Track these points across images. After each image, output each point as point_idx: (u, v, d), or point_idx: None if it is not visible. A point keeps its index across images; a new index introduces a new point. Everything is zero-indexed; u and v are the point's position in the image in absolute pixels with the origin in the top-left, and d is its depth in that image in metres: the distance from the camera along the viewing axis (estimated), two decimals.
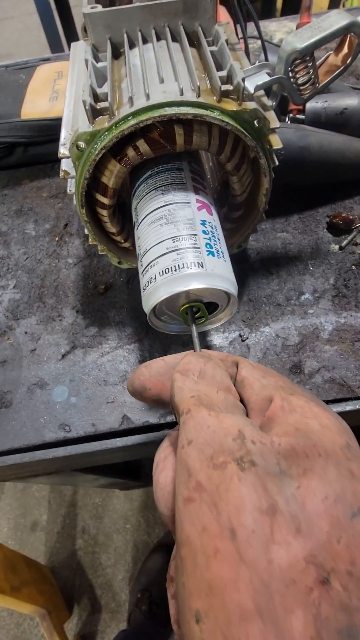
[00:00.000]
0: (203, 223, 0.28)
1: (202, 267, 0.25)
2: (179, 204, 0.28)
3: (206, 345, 0.37)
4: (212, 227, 0.28)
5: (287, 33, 0.67)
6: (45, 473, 0.44)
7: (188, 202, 0.28)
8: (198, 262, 0.26)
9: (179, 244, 0.26)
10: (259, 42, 0.37)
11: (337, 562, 0.14)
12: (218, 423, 0.17)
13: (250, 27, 0.51)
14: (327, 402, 0.33)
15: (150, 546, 1.05)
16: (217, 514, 0.15)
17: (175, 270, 0.25)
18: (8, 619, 1.02)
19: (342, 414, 0.33)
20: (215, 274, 0.26)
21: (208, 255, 0.26)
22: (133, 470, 0.86)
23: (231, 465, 0.16)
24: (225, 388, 0.20)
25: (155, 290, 0.26)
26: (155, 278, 0.26)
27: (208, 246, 0.27)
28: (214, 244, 0.27)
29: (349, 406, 0.33)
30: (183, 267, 0.25)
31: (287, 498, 0.15)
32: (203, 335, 0.37)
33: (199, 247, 0.26)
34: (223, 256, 0.27)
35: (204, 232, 0.27)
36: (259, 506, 0.15)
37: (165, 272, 0.26)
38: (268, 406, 0.18)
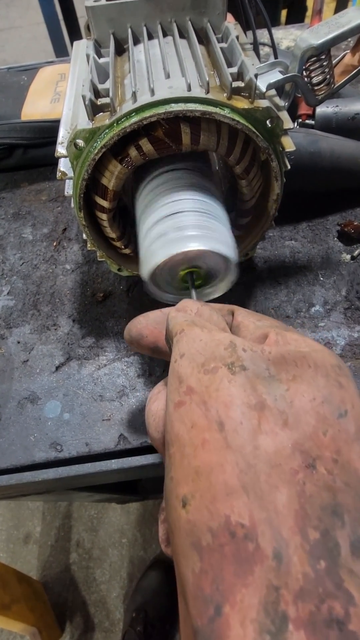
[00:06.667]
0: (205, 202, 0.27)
1: (202, 230, 0.24)
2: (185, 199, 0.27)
3: None
4: (215, 204, 0.27)
5: (293, 40, 0.66)
6: (36, 493, 0.41)
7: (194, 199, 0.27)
8: (198, 225, 0.25)
9: (180, 207, 0.26)
10: (266, 49, 0.36)
11: (323, 451, 0.14)
12: (210, 337, 0.17)
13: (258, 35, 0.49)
14: None
15: (147, 563, 1.01)
16: (206, 410, 0.15)
17: (174, 232, 0.24)
18: None
19: None
20: (215, 237, 0.25)
21: (208, 220, 0.25)
22: (130, 485, 0.83)
23: (222, 369, 0.16)
24: (221, 330, 0.20)
25: (154, 254, 0.25)
26: (153, 242, 0.25)
27: (209, 214, 0.26)
28: (216, 214, 0.27)
29: None
30: (182, 229, 0.24)
31: (275, 397, 0.15)
32: None
33: (199, 213, 0.26)
34: (224, 225, 0.27)
35: (206, 206, 0.27)
36: (247, 402, 0.15)
37: (164, 235, 0.25)
38: (263, 342, 0.18)
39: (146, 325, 0.22)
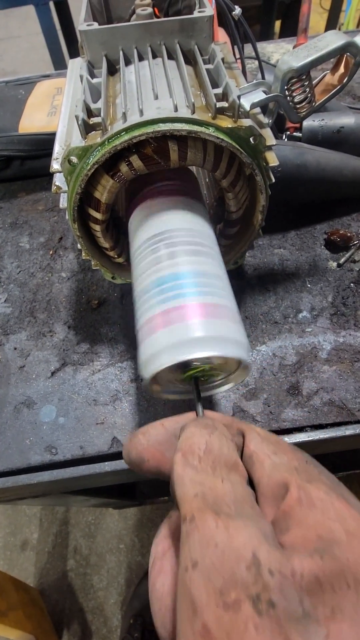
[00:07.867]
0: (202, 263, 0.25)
1: (211, 331, 0.22)
2: (177, 231, 0.26)
3: None
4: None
5: (284, 54, 0.68)
6: (32, 496, 0.42)
7: (185, 227, 0.27)
8: (205, 324, 0.22)
9: (182, 291, 0.23)
10: (257, 62, 0.37)
11: None
12: (227, 539, 0.15)
13: (249, 48, 0.51)
14: (326, 425, 0.32)
15: (145, 568, 1.01)
16: None
17: (180, 331, 0.22)
18: None
19: (341, 439, 0.32)
20: (226, 337, 0.22)
21: (215, 313, 0.23)
22: (127, 489, 0.84)
23: (245, 606, 0.13)
24: (232, 465, 0.18)
25: (157, 356, 0.21)
26: (157, 339, 0.22)
27: (213, 297, 0.23)
28: (221, 292, 0.24)
29: (348, 430, 0.31)
30: (188, 328, 0.22)
31: None
32: None
33: (204, 297, 0.23)
34: (232, 310, 0.24)
35: (206, 274, 0.24)
36: None
37: (169, 333, 0.22)
38: (282, 493, 0.16)
39: (147, 447, 0.20)
